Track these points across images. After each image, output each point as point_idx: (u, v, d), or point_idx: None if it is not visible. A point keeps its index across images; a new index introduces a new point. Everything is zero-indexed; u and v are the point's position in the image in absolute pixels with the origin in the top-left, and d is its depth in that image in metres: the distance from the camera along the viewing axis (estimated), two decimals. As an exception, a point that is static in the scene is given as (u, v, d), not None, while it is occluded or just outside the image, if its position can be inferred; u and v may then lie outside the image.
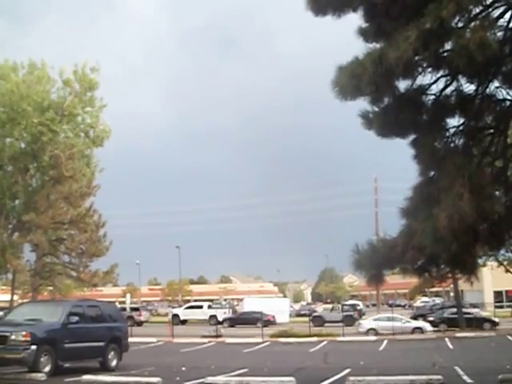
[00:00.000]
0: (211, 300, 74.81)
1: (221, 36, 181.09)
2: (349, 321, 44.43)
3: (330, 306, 64.76)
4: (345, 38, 13.14)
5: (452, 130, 12.38)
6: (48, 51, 71.02)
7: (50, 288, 40.18)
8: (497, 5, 10.79)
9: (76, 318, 17.61)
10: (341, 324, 38.82)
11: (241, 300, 71.59)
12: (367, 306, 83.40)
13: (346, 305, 59.95)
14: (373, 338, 32.12)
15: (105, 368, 18.23)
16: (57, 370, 16.30)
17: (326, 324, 45.24)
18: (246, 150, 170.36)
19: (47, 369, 16.00)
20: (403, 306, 74.99)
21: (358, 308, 59.26)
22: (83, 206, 36.71)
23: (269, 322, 47.10)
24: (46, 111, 35.07)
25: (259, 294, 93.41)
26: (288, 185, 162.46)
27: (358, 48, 11.57)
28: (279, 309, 52.53)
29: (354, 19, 12.09)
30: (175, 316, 55.02)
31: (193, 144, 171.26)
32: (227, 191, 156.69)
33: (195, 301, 73.73)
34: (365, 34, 12.17)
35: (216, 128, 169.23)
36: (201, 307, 56.49)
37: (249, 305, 56.44)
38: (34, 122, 34.62)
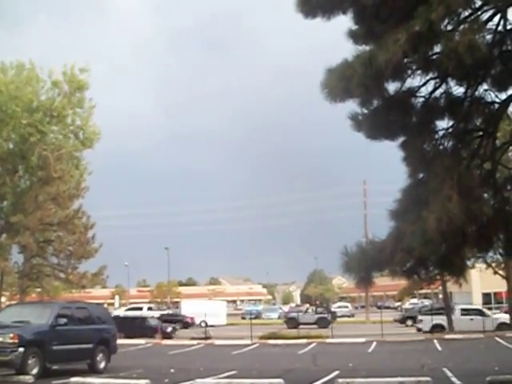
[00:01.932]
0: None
1: (209, 36, 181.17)
2: (322, 323, 44.55)
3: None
4: (334, 36, 13.17)
5: (441, 133, 12.44)
6: (38, 53, 70.88)
7: (38, 290, 39.97)
8: (486, 8, 10.86)
9: (64, 320, 17.52)
10: (314, 326, 38.63)
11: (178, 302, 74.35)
12: (356, 308, 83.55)
13: (319, 306, 60.18)
14: (362, 339, 32.15)
15: (93, 370, 18.13)
16: (45, 372, 16.19)
17: (301, 326, 44.48)
18: (235, 151, 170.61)
19: (35, 371, 15.89)
20: (395, 308, 74.76)
21: (332, 310, 59.46)
22: (71, 207, 36.53)
23: (188, 324, 50.42)
24: (35, 112, 34.88)
25: (248, 295, 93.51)
26: (277, 186, 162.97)
27: (348, 48, 11.64)
28: (215, 311, 54.34)
29: (344, 20, 12.15)
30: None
31: (181, 144, 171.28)
32: (216, 192, 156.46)
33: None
34: (354, 36, 12.21)
35: (205, 128, 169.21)
36: (141, 309, 57.29)
37: (186, 307, 58.92)
38: (23, 122, 34.42)
